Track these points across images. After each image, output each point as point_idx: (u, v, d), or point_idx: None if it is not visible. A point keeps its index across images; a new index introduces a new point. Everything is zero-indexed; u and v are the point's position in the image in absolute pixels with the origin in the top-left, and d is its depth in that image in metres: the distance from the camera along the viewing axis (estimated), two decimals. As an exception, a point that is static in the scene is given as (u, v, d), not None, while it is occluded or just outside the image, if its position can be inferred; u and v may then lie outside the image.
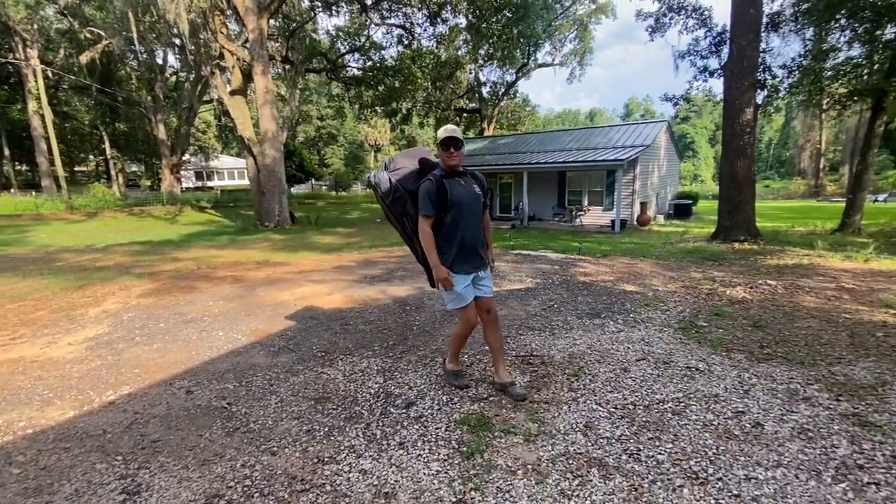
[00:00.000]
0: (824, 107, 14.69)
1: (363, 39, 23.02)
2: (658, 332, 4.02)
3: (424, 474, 2.15)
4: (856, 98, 12.51)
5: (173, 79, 29.53)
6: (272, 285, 6.40)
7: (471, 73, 28.23)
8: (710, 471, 2.11)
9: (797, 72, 13.15)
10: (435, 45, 23.98)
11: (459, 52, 25.55)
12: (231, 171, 47.25)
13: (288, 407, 2.86)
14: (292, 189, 32.42)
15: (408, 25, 22.28)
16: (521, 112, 33.94)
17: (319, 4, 20.05)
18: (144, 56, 25.66)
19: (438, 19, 21.70)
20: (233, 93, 16.47)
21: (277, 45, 20.89)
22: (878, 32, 11.53)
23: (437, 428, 2.55)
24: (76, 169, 38.59)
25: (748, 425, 2.48)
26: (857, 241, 9.79)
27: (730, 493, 1.95)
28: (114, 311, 5.22)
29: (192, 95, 25.48)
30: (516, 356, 3.53)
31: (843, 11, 11.50)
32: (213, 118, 35.14)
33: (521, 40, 22.80)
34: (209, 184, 43.36)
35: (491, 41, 22.54)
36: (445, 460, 2.25)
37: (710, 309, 4.68)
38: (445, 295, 2.79)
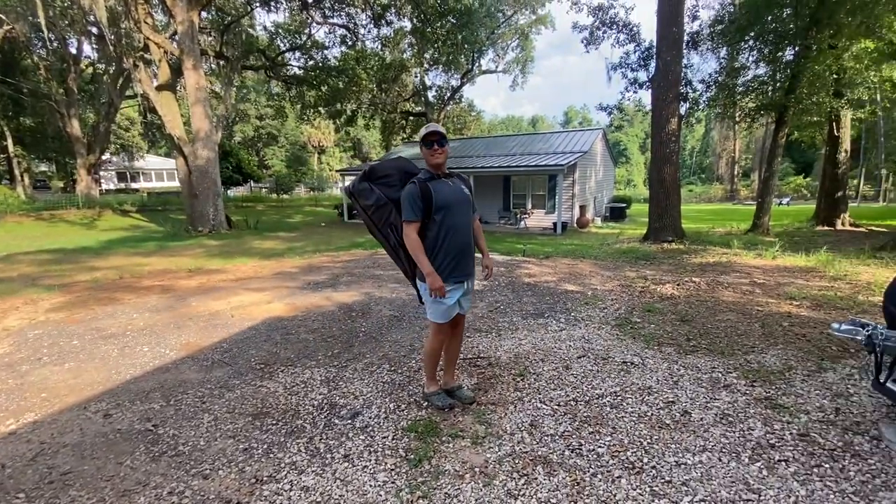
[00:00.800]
0: (737, 119, 16.23)
1: (304, 38, 22.31)
2: (597, 330, 4.21)
3: (371, 486, 2.09)
4: (762, 112, 13.94)
5: (90, 70, 26.94)
6: (206, 294, 6.00)
7: (416, 76, 28.26)
8: (645, 460, 2.23)
9: (714, 87, 14.42)
10: (380, 47, 23.76)
11: (405, 55, 25.50)
12: (159, 171, 43.85)
13: (222, 425, 2.68)
14: (229, 192, 30.69)
15: (351, 26, 21.89)
16: (466, 117, 34.44)
17: (257, -1, 19.20)
18: (55, 45, 23.20)
19: (382, 21, 21.51)
20: (160, 88, 15.32)
21: (211, 39, 19.70)
22: (780, 54, 12.94)
23: (384, 437, 2.49)
24: (-31, 168, 34.07)
25: (678, 414, 2.66)
26: (766, 240, 10.88)
27: (663, 480, 2.07)
28: (16, 329, 4.65)
29: (112, 89, 23.37)
30: (464, 359, 3.55)
31: (751, 33, 12.79)
32: (138, 114, 32.48)
33: (466, 46, 23.16)
34: (134, 185, 39.91)
35: (436, 46, 22.68)
36: (393, 470, 2.20)
37: (643, 306, 4.98)
38: (432, 306, 2.56)
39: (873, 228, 14.12)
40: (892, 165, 24.84)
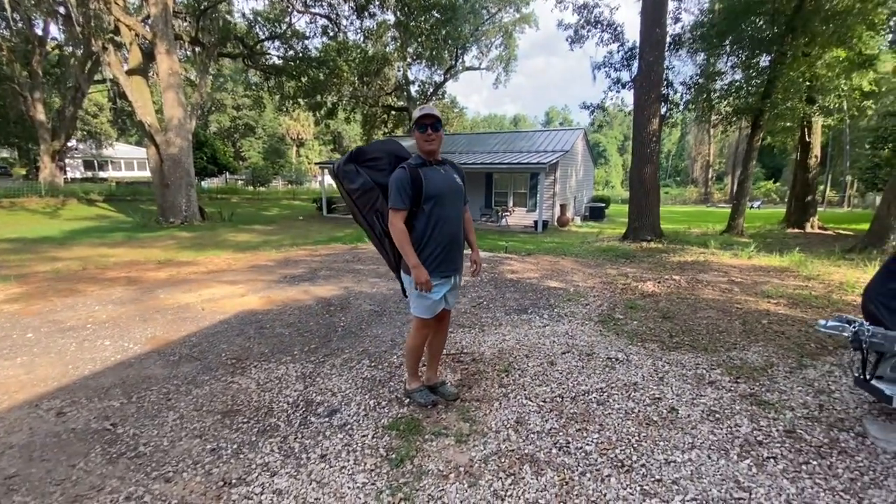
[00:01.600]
0: (713, 122, 16.59)
1: (284, 26, 21.73)
2: (580, 326, 4.16)
3: (349, 488, 1.96)
4: (739, 116, 14.27)
5: (56, 53, 25.64)
6: (175, 287, 5.71)
7: (399, 70, 27.94)
8: (634, 458, 2.16)
9: (693, 89, 14.69)
10: (362, 39, 23.36)
11: (388, 49, 25.16)
12: (129, 160, 42.15)
13: (188, 424, 2.49)
14: (203, 183, 29.77)
15: (333, 16, 21.43)
16: (449, 113, 34.30)
17: (235, -16, 18.56)
18: (20, 25, 21.98)
19: (366, 13, 21.13)
20: (130, 72, 14.66)
21: (186, 24, 18.96)
22: (756, 60, 13.27)
23: (364, 435, 2.36)
24: (-78, 152, 32.10)
25: (665, 411, 2.61)
26: (741, 240, 11.13)
27: (653, 479, 2.01)
28: (-36, 321, 4.31)
29: (80, 73, 22.30)
30: (447, 354, 3.44)
31: (729, 39, 13.06)
32: (107, 100, 31.13)
33: (449, 41, 23.01)
34: (102, 174, 38.25)
35: (419, 40, 22.45)
36: (373, 470, 2.08)
37: (625, 302, 4.97)
38: (416, 300, 2.43)
39: (840, 232, 14.65)
40: (857, 172, 25.90)
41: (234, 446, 2.28)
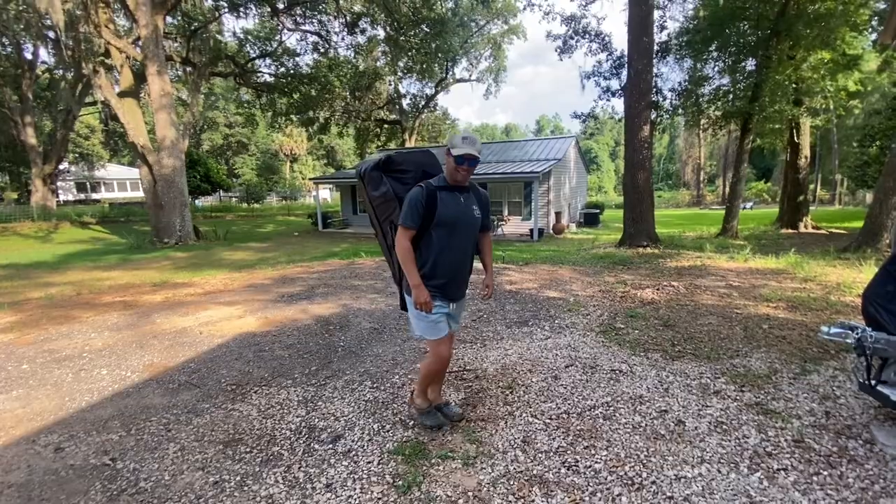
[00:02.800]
0: (703, 126, 16.80)
1: (275, 45, 21.91)
2: (582, 337, 4.15)
3: (356, 518, 1.92)
4: (728, 120, 14.46)
5: (46, 76, 25.67)
6: (172, 310, 5.66)
7: (390, 84, 28.18)
8: (644, 475, 2.14)
9: (682, 95, 14.89)
10: (353, 54, 23.57)
11: (378, 63, 25.39)
12: (122, 181, 42.07)
13: (190, 455, 2.45)
14: (197, 201, 29.72)
15: (324, 33, 21.64)
16: (441, 125, 34.54)
17: (225, 5, 18.71)
18: (9, 49, 22.03)
19: (356, 29, 21.36)
20: (122, 94, 14.71)
21: (176, 44, 19.09)
22: (742, 64, 13.48)
23: (369, 462, 2.32)
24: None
25: (672, 423, 2.59)
26: (736, 243, 11.21)
27: (664, 496, 1.98)
28: (-43, 354, 4.23)
29: (70, 96, 22.32)
30: (449, 372, 3.40)
31: (714, 44, 13.29)
32: (99, 122, 31.15)
33: (439, 55, 23.27)
34: (95, 196, 38.13)
35: (410, 54, 22.69)
36: (380, 499, 2.04)
37: (626, 311, 4.96)
38: (417, 322, 2.36)
39: (833, 230, 14.78)
40: (846, 170, 26.22)
41: (238, 478, 2.24)
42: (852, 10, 11.05)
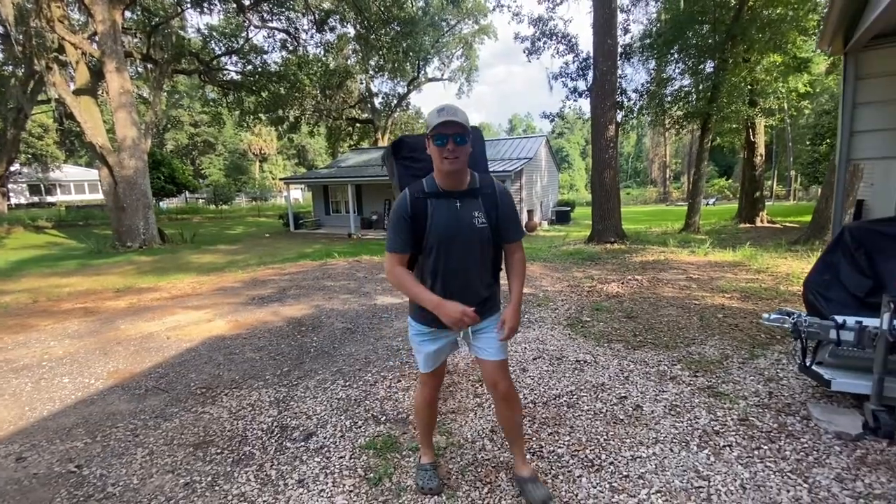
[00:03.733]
0: (666, 126, 17.43)
1: (241, 41, 21.39)
2: (550, 331, 4.30)
3: (328, 511, 1.97)
4: (689, 119, 15.07)
5: (-6, 73, 24.21)
6: (137, 315, 5.51)
7: (362, 83, 27.96)
8: (603, 456, 2.27)
9: (646, 96, 15.41)
10: (323, 52, 23.26)
11: (349, 62, 25.16)
12: (79, 183, 40.09)
13: (159, 459, 2.43)
14: (161, 203, 28.70)
15: (292, 30, 21.27)
16: (414, 124, 34.49)
17: (188, 0, 18.15)
18: (-50, 43, 20.67)
19: (325, 27, 21.09)
20: (78, 92, 14.07)
21: (136, 40, 18.37)
22: (701, 66, 14.07)
23: (341, 457, 2.37)
24: None
25: (630, 408, 2.74)
26: (698, 237, 11.70)
27: (620, 475, 2.12)
28: None
29: (21, 94, 21.15)
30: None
31: (675, 47, 13.81)
32: (53, 121, 29.63)
33: (411, 54, 23.25)
34: (50, 199, 36.23)
35: (380, 53, 22.56)
36: (351, 491, 2.09)
37: (592, 305, 5.15)
38: (416, 351, 1.97)
39: (787, 224, 15.62)
40: (800, 167, 27.65)
41: (209, 478, 2.25)
42: (802, 15, 11.71)
